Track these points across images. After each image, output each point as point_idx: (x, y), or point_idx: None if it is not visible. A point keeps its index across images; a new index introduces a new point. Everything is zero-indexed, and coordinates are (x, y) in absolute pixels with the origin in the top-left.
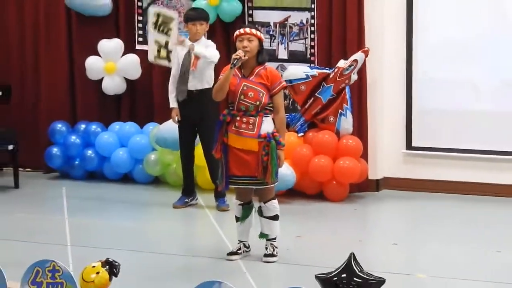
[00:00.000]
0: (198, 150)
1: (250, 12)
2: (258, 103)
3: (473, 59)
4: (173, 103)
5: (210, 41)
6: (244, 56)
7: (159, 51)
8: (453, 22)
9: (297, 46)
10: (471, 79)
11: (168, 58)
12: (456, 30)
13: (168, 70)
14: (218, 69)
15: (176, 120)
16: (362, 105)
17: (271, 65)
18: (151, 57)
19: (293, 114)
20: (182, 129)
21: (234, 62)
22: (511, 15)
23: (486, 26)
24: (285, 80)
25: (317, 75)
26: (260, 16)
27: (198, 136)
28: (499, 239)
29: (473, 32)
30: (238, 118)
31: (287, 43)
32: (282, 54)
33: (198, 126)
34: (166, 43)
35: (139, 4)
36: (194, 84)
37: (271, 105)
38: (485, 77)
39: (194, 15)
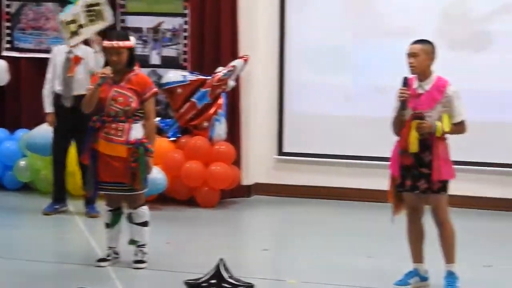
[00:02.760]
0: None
1: (123, 17)
2: (127, 108)
3: (344, 65)
4: (48, 108)
5: (89, 48)
6: (112, 74)
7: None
8: (325, 28)
9: (170, 51)
10: (342, 84)
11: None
12: (327, 36)
13: (36, 75)
14: None
15: (52, 124)
16: (234, 111)
17: (143, 71)
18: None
19: (167, 119)
20: (58, 134)
21: (99, 82)
22: (382, 21)
23: (357, 31)
24: (162, 83)
25: (195, 79)
26: (132, 21)
27: (73, 141)
28: (370, 244)
29: (344, 37)
30: (107, 124)
31: (160, 48)
32: (155, 59)
33: (74, 131)
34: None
35: (7, 10)
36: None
37: (141, 111)
38: (356, 83)
39: None
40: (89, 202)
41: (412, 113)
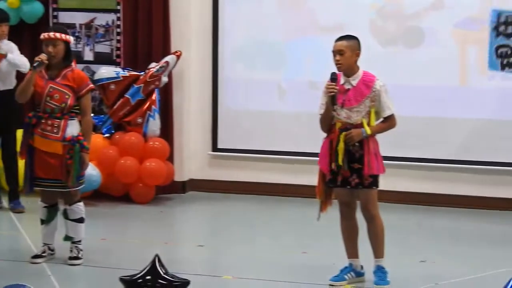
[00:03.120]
0: None
1: (55, 13)
2: (63, 105)
3: (277, 61)
4: None
5: (11, 43)
6: (46, 60)
7: None
8: (259, 24)
9: (103, 47)
10: (275, 80)
11: None
12: (261, 32)
13: None
14: None
15: None
16: (168, 107)
17: (77, 67)
18: None
19: (100, 116)
20: None
21: (35, 65)
22: (315, 17)
23: (290, 28)
24: (96, 79)
25: (128, 75)
26: (65, 17)
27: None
28: (305, 240)
29: (277, 33)
30: (43, 121)
31: (93, 44)
32: (88, 55)
33: (1, 128)
34: None
35: None
36: None
37: (77, 107)
38: (289, 79)
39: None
40: (14, 198)
41: (338, 128)
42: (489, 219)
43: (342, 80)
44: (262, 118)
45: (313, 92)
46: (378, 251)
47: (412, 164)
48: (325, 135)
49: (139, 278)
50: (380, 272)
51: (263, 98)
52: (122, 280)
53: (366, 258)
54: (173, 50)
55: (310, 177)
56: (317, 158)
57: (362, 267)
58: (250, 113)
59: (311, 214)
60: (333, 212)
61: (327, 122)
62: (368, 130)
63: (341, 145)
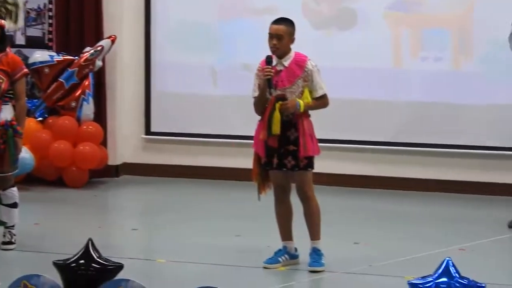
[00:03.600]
0: None
1: None
2: None
3: (210, 43)
4: None
5: None
6: None
7: None
8: (190, 6)
9: (35, 31)
10: (208, 63)
11: None
12: (193, 14)
13: None
14: None
15: None
16: (101, 91)
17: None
18: None
19: (34, 100)
20: None
21: None
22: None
23: (223, 9)
24: (29, 63)
25: (62, 59)
26: None
27: None
28: (238, 223)
29: (209, 15)
30: None
31: (25, 28)
32: (20, 39)
33: None
34: None
35: None
36: None
37: (11, 92)
38: (222, 61)
39: None
40: None
41: (274, 96)
42: (426, 201)
43: (274, 61)
44: (195, 101)
45: (246, 74)
46: (314, 233)
47: (347, 147)
48: (259, 117)
49: (72, 262)
50: (315, 254)
51: (197, 81)
52: (55, 264)
53: (301, 241)
54: (105, 33)
55: (245, 160)
56: (250, 141)
57: (296, 249)
58: (183, 96)
59: (244, 197)
60: (268, 196)
61: (261, 104)
62: (302, 106)
63: (277, 114)
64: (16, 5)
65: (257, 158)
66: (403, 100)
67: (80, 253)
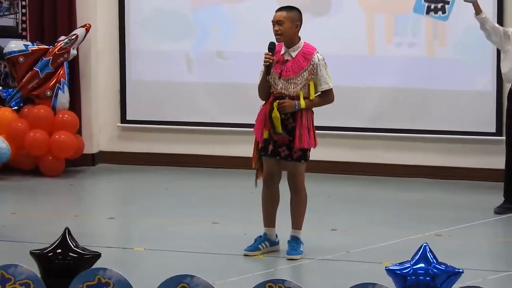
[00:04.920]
0: None
1: None
2: None
3: (184, 31)
4: None
5: None
6: None
7: None
8: None
9: (8, 21)
10: (183, 50)
11: None
12: (169, 1)
13: None
14: None
15: None
16: (75, 79)
17: None
18: None
19: (9, 89)
20: None
21: None
22: None
23: None
24: (4, 52)
25: (37, 48)
26: None
27: None
28: (217, 211)
29: (186, 3)
30: None
31: None
32: None
33: None
34: None
35: None
36: None
37: None
38: (197, 49)
39: None
40: None
41: (272, 95)
42: (404, 187)
43: (283, 50)
44: (171, 89)
45: (221, 62)
46: (296, 222)
47: (323, 133)
48: (233, 106)
49: (49, 251)
50: (294, 242)
51: (172, 68)
52: (32, 254)
53: (282, 229)
54: (79, 22)
55: (220, 147)
56: (225, 129)
57: (277, 236)
58: (158, 84)
59: (222, 184)
60: (245, 183)
61: (264, 90)
62: (302, 104)
63: (276, 113)
64: None
65: (257, 143)
66: (378, 86)
67: (57, 242)
